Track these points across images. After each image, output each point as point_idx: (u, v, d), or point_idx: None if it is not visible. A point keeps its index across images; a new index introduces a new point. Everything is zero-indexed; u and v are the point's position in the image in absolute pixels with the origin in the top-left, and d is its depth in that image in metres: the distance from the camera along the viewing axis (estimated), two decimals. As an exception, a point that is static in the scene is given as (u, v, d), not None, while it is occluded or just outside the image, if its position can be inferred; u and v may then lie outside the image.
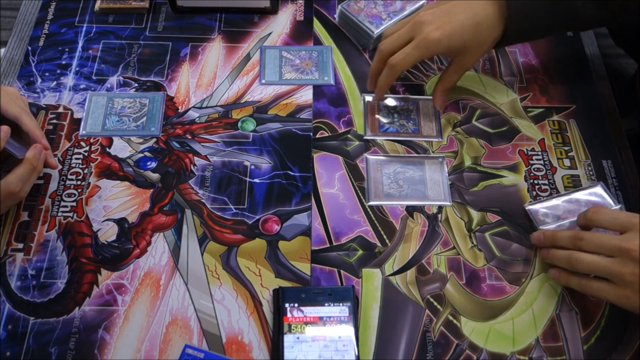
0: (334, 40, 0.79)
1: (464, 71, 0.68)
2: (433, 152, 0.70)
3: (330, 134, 0.70)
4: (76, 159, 0.67)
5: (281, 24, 0.80)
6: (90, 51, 0.76)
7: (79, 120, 0.70)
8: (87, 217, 0.63)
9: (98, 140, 0.69)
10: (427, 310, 0.59)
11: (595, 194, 0.64)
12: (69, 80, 0.73)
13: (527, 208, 0.65)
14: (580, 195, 0.64)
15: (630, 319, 0.59)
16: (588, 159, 0.70)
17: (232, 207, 0.64)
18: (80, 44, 0.76)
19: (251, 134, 0.70)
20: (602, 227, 0.57)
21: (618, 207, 0.63)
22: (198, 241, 0.62)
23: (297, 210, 0.65)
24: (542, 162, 0.69)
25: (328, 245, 0.63)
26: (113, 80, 0.73)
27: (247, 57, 0.76)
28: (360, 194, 0.66)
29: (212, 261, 0.61)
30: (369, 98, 0.73)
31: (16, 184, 0.58)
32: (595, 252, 0.55)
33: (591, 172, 0.69)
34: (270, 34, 0.79)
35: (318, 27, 0.80)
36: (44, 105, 0.71)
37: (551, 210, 0.64)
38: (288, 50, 0.77)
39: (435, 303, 0.60)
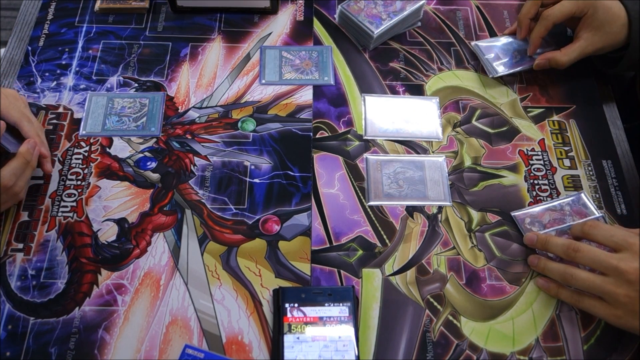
0: (334, 40, 0.79)
1: (582, 53, 0.71)
2: (433, 152, 0.70)
3: (330, 134, 0.70)
4: (76, 159, 0.67)
5: (281, 24, 0.80)
6: (90, 51, 0.76)
7: (79, 120, 0.70)
8: (87, 217, 0.63)
9: (98, 140, 0.69)
10: (427, 310, 0.59)
11: (579, 202, 0.65)
12: (69, 80, 0.73)
13: (513, 215, 0.65)
14: (565, 204, 0.65)
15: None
16: (588, 159, 0.70)
17: (232, 207, 0.64)
18: (80, 44, 0.76)
19: (251, 134, 0.70)
20: (597, 242, 0.57)
21: (599, 215, 0.64)
22: (198, 241, 0.62)
23: (297, 210, 0.65)
24: (542, 162, 0.69)
25: (328, 245, 0.63)
26: (113, 80, 0.73)
27: (247, 57, 0.76)
28: (360, 194, 0.66)
29: (212, 261, 0.61)
30: (369, 98, 0.73)
31: (9, 177, 0.58)
32: (589, 266, 0.56)
33: (591, 172, 0.69)
34: (270, 34, 0.79)
35: (318, 27, 0.80)
36: (44, 105, 0.71)
37: (536, 219, 0.64)
38: (288, 50, 0.77)
39: (435, 303, 0.60)
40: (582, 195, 0.66)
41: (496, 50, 0.76)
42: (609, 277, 0.53)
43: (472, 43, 0.78)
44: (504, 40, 0.77)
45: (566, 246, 0.57)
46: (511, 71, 0.75)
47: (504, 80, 0.76)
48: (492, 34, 0.80)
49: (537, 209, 0.65)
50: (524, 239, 0.63)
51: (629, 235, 0.55)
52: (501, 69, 0.75)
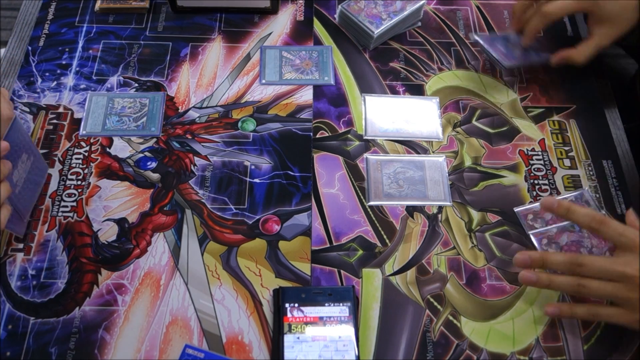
0: (334, 40, 0.79)
1: (598, 48, 0.68)
2: (433, 152, 0.70)
3: (330, 134, 0.70)
4: (76, 159, 0.67)
5: (281, 24, 0.80)
6: (90, 51, 0.76)
7: (79, 120, 0.70)
8: (87, 217, 0.63)
9: (98, 140, 0.69)
10: (427, 310, 0.59)
11: (581, 199, 0.65)
12: (69, 80, 0.73)
13: (516, 211, 0.65)
14: (568, 201, 0.65)
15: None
16: (588, 159, 0.70)
17: (232, 207, 0.64)
18: (80, 44, 0.76)
19: (251, 134, 0.70)
20: (607, 239, 0.56)
21: (601, 212, 0.64)
22: (198, 241, 0.62)
23: (297, 210, 0.65)
24: (542, 162, 0.69)
25: (328, 245, 0.63)
26: (113, 80, 0.73)
27: (247, 57, 0.76)
28: (360, 194, 0.66)
29: (212, 261, 0.61)
30: (369, 98, 0.73)
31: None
32: (596, 277, 0.54)
33: (591, 172, 0.69)
34: (270, 34, 0.79)
35: (318, 27, 0.80)
36: (44, 105, 0.71)
37: (539, 215, 0.64)
38: (288, 50, 0.77)
39: (436, 303, 0.60)
40: (585, 192, 0.66)
41: (497, 44, 0.74)
42: (620, 284, 0.52)
43: (472, 35, 0.77)
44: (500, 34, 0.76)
45: (568, 262, 0.55)
46: (520, 64, 0.74)
47: (504, 80, 0.76)
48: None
49: (539, 205, 0.65)
50: (514, 261, 0.58)
51: (636, 235, 0.54)
52: (510, 62, 0.72)
